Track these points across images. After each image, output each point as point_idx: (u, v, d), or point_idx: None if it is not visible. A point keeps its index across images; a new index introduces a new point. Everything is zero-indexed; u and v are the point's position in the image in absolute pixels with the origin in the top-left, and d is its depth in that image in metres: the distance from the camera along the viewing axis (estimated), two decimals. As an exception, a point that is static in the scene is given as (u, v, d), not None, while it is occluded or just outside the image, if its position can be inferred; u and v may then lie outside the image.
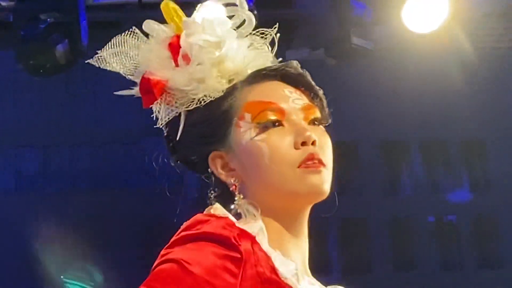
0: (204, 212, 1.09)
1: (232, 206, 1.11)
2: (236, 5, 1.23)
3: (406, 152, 17.33)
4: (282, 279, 0.97)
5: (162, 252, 0.97)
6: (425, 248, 19.72)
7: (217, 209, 1.08)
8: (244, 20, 1.26)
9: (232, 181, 1.11)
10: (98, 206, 15.51)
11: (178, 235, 1.01)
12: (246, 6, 1.26)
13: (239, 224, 1.03)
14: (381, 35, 6.97)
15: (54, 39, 5.20)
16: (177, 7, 1.28)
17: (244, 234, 0.97)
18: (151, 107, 1.19)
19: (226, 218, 1.03)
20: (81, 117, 15.19)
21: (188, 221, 1.04)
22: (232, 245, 0.92)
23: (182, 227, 1.04)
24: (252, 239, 0.99)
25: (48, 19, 5.24)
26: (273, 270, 0.98)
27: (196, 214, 1.10)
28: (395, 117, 13.32)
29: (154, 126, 1.27)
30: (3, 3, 5.64)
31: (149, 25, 1.25)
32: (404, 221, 18.82)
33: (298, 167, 1.00)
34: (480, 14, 7.54)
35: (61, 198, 16.04)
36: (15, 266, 15.69)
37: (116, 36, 1.25)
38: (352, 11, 6.51)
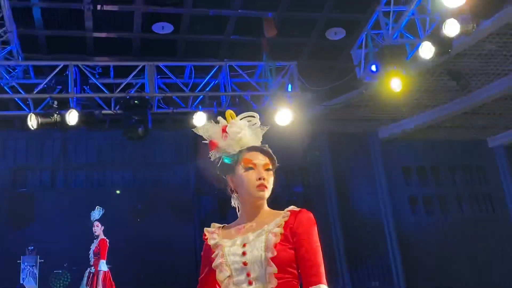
0: None
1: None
2: (254, 117, 1.78)
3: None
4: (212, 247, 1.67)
5: None
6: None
7: (212, 225, 1.80)
8: (255, 122, 1.80)
9: (233, 187, 1.74)
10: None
11: None
12: (258, 117, 1.82)
13: (211, 228, 1.77)
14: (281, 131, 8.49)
15: (137, 126, 8.30)
16: (233, 113, 1.82)
17: (206, 234, 1.73)
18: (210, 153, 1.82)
19: (207, 229, 1.77)
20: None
21: None
22: (205, 241, 1.71)
23: None
24: (208, 234, 1.73)
25: (134, 118, 8.25)
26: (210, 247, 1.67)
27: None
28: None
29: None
30: (117, 111, 8.61)
31: (219, 120, 1.84)
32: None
33: (256, 187, 1.58)
34: (311, 117, 9.87)
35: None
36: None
37: (203, 124, 2.12)
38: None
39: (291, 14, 8.64)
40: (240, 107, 8.85)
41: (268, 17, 8.39)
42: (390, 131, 11.64)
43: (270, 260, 1.54)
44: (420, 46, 7.46)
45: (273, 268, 1.51)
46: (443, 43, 7.33)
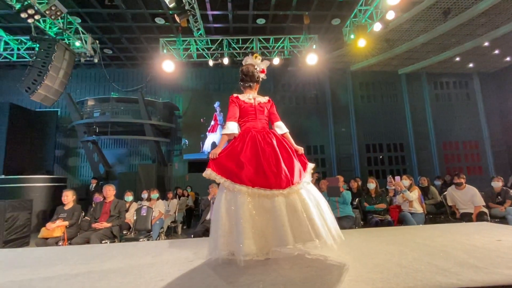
0: None
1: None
2: (265, 61, 2.02)
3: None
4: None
5: None
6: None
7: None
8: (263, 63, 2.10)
9: (257, 85, 2.05)
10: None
11: None
12: (264, 64, 2.08)
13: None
14: (307, 67, 8.54)
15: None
16: (259, 55, 1.98)
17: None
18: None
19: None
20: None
21: None
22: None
23: None
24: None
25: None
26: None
27: None
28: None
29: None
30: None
31: (256, 59, 2.01)
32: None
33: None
34: (323, 61, 8.33)
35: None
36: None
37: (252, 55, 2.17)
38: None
39: (318, 12, 8.40)
40: (293, 55, 9.13)
41: (306, 14, 8.15)
42: (356, 67, 11.41)
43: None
44: (374, 25, 7.38)
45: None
46: (385, 23, 7.25)
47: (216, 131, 10.86)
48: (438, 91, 12.03)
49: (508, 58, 10.72)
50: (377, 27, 7.41)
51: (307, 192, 1.72)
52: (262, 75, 2.11)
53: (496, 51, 10.11)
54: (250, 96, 2.07)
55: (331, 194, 4.49)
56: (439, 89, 12.05)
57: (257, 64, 2.07)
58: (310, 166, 1.93)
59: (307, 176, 1.84)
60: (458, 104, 11.92)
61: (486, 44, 9.39)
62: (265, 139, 1.87)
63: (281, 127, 2.05)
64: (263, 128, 2.00)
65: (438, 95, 12.01)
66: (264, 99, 2.08)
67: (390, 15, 7.07)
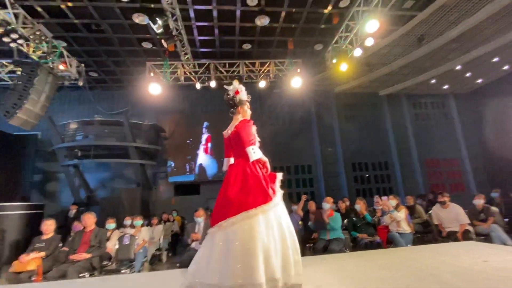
0: None
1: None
2: (233, 83, 2.02)
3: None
4: None
5: None
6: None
7: None
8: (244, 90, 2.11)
9: (240, 109, 2.06)
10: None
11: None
12: (232, 86, 2.09)
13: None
14: (293, 90, 8.89)
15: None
16: (237, 82, 2.71)
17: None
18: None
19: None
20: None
21: None
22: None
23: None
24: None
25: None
26: None
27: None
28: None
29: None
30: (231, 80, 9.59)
31: (240, 86, 2.10)
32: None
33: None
34: (307, 84, 8.68)
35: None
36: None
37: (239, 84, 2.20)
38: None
39: (301, 38, 8.61)
40: (278, 78, 9.38)
41: (290, 39, 8.61)
42: (340, 89, 11.70)
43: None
44: (354, 50, 7.61)
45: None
46: (365, 48, 7.56)
47: (200, 151, 10.77)
48: (418, 111, 12.54)
49: (480, 80, 11.64)
50: (357, 52, 7.70)
51: (232, 231, 1.67)
52: (240, 96, 2.09)
53: (468, 74, 10.96)
54: (229, 128, 2.11)
55: (317, 228, 4.51)
56: (418, 109, 12.57)
57: (230, 90, 2.12)
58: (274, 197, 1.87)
59: (250, 211, 1.71)
60: (436, 123, 12.40)
61: (459, 67, 9.99)
62: (229, 175, 1.91)
63: (248, 154, 1.91)
64: (237, 160, 1.99)
65: (417, 115, 12.51)
66: (235, 124, 2.02)
67: (369, 42, 7.37)
